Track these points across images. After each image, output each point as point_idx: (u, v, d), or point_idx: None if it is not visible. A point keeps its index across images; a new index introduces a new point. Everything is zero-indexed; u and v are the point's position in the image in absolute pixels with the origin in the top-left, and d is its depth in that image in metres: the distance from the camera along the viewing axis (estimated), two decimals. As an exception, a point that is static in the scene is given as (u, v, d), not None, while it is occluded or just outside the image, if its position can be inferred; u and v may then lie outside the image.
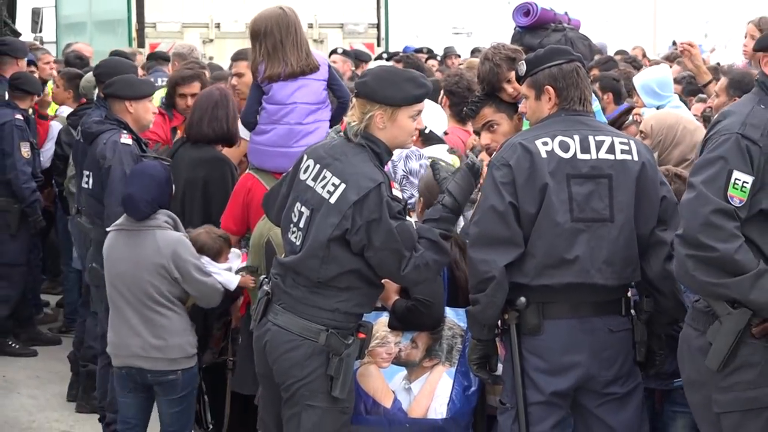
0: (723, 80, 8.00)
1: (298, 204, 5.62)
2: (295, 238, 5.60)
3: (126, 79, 8.28)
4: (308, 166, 5.65)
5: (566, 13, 7.89)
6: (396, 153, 6.29)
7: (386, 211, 5.42)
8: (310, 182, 5.60)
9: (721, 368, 4.81)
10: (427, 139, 7.03)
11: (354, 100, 5.72)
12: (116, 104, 8.02)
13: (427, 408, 5.76)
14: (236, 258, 6.55)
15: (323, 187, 5.53)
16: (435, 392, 5.77)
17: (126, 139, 7.86)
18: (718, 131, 4.89)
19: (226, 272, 6.43)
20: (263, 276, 5.94)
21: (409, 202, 6.17)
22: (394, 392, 5.79)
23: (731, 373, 4.82)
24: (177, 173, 7.12)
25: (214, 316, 6.88)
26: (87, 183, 7.84)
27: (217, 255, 6.49)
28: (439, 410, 5.74)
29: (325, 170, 5.56)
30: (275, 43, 6.60)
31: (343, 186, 5.46)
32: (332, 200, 5.48)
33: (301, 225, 5.58)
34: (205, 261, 6.39)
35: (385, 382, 5.81)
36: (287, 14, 6.73)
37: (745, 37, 9.37)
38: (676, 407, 5.68)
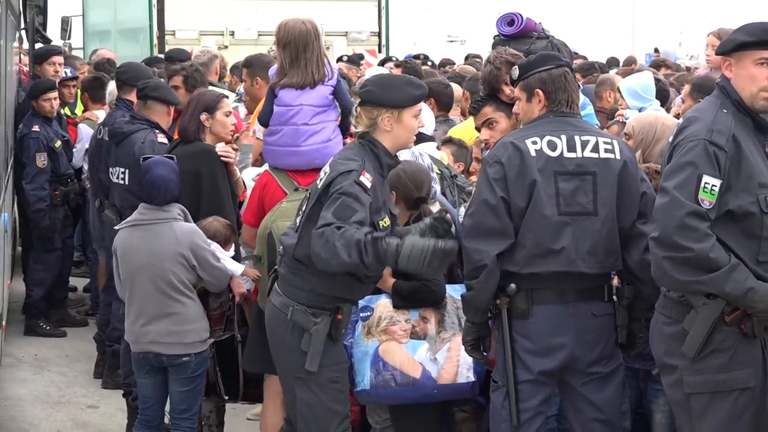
0: (687, 86, 8.05)
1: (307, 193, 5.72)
2: (298, 221, 5.65)
3: (168, 89, 8.36)
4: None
5: (540, 23, 7.90)
6: (407, 152, 6.38)
7: (355, 190, 5.38)
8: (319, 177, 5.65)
9: (697, 355, 4.81)
10: (419, 138, 7.03)
11: (358, 108, 5.71)
12: (158, 107, 8.04)
13: (455, 374, 5.82)
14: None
15: (319, 179, 5.59)
16: (459, 360, 5.80)
17: (162, 138, 7.93)
18: (686, 137, 4.87)
19: (231, 260, 6.45)
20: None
21: None
22: (421, 364, 5.82)
23: (703, 358, 4.82)
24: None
25: (212, 299, 6.80)
26: (123, 179, 7.83)
27: (226, 242, 6.51)
28: (466, 374, 5.80)
29: (327, 165, 5.64)
30: (293, 55, 6.60)
31: (329, 172, 5.51)
32: (319, 184, 5.54)
33: (303, 208, 5.63)
34: (215, 247, 6.39)
35: (409, 356, 5.84)
36: (308, 30, 6.67)
37: (707, 47, 9.37)
38: (658, 385, 5.64)
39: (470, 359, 5.75)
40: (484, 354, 5.56)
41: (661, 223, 4.81)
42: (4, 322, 9.19)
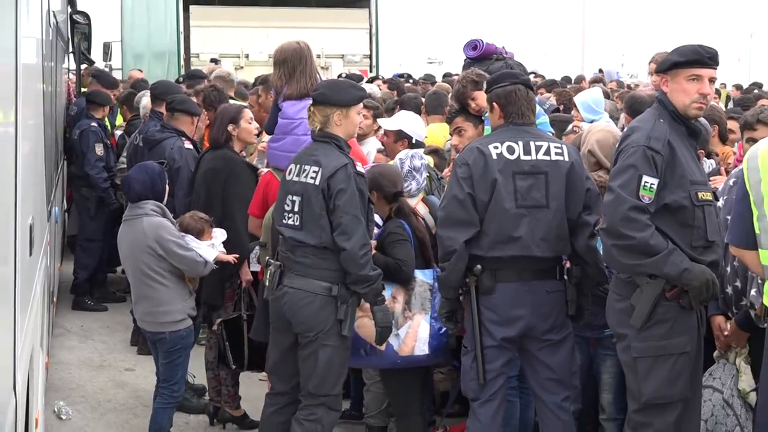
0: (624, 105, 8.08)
1: (289, 196, 5.61)
2: (293, 221, 5.56)
3: (192, 103, 8.38)
4: (291, 170, 5.68)
5: (503, 47, 7.93)
6: (403, 153, 6.58)
7: (353, 183, 5.45)
8: (294, 178, 5.61)
9: (643, 326, 4.83)
10: (411, 145, 7.05)
11: (312, 108, 5.72)
12: (183, 117, 8.07)
13: (413, 348, 5.76)
14: (221, 236, 6.46)
15: (306, 177, 5.54)
16: (418, 335, 5.77)
17: (188, 144, 7.93)
18: (628, 144, 4.89)
19: (207, 248, 6.28)
20: (267, 257, 5.93)
21: (406, 190, 6.20)
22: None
23: (648, 328, 4.86)
24: (201, 166, 7.14)
25: (226, 282, 6.84)
26: None
27: (200, 233, 6.35)
28: (421, 348, 5.76)
29: (303, 166, 5.58)
30: (291, 70, 6.58)
31: (320, 170, 5.48)
32: (316, 182, 5.49)
33: (296, 209, 5.55)
34: (189, 239, 6.25)
35: None
36: (302, 48, 6.68)
37: (650, 74, 9.33)
38: (606, 351, 5.68)
39: (426, 335, 5.74)
40: (457, 323, 5.57)
41: (608, 217, 4.84)
42: (55, 299, 9.21)
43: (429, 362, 5.89)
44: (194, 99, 8.76)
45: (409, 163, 6.49)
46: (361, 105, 5.85)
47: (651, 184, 4.78)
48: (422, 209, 6.22)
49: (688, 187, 4.88)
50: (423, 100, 9.50)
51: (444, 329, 5.74)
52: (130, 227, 6.22)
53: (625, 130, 5.10)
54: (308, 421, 5.55)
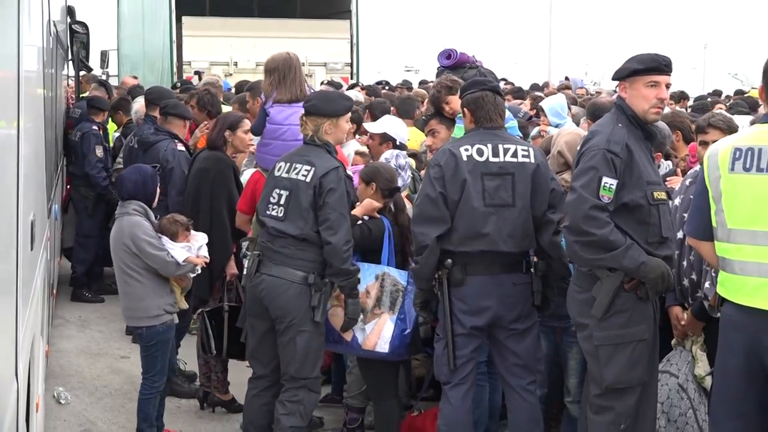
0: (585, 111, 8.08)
1: (276, 190, 5.67)
2: (277, 212, 5.62)
3: (184, 107, 8.37)
4: (280, 167, 5.74)
5: (474, 56, 7.96)
6: (388, 153, 6.64)
7: (343, 184, 5.55)
8: (284, 174, 5.67)
9: (603, 315, 4.85)
10: (395, 147, 7.09)
11: (304, 117, 5.77)
12: (176, 121, 8.04)
13: (375, 344, 5.76)
14: (203, 239, 6.39)
15: (297, 174, 5.60)
16: (381, 333, 5.76)
17: (180, 147, 7.92)
18: (590, 147, 4.89)
19: (180, 249, 6.18)
20: (244, 242, 5.99)
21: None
22: (353, 330, 5.78)
23: (608, 318, 4.86)
24: (194, 166, 7.15)
25: (214, 278, 6.81)
26: None
27: (174, 236, 6.25)
28: (382, 346, 5.76)
29: (295, 164, 5.65)
30: (281, 77, 6.61)
31: (313, 169, 5.56)
32: (307, 179, 5.55)
33: (281, 202, 5.61)
34: (165, 240, 6.18)
35: None
36: (291, 58, 6.73)
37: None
38: (571, 338, 5.68)
39: (389, 335, 5.75)
40: (431, 312, 5.59)
41: (571, 215, 4.84)
42: (55, 291, 9.17)
43: (387, 359, 5.87)
44: (191, 103, 8.75)
45: (395, 161, 6.54)
46: (349, 114, 5.91)
47: (610, 184, 4.78)
48: (407, 205, 6.23)
49: (644, 188, 4.89)
50: (390, 104, 9.52)
51: (407, 332, 5.76)
52: (117, 224, 6.19)
53: (587, 134, 5.10)
54: (291, 403, 5.61)
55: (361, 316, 5.76)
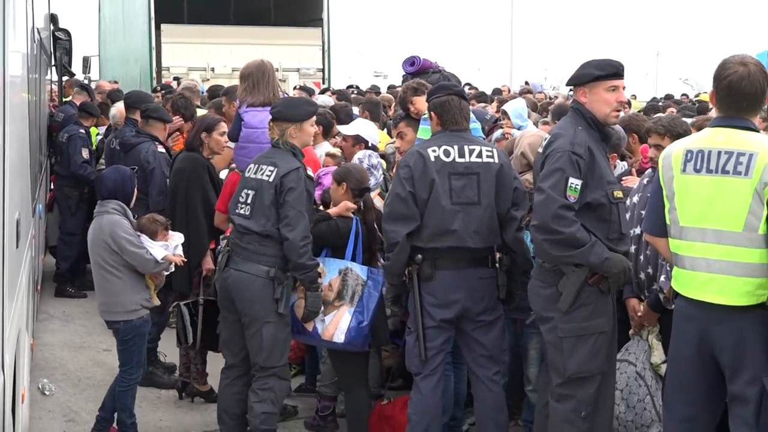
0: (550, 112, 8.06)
1: (245, 190, 5.69)
2: (244, 211, 5.64)
3: (164, 111, 8.31)
4: (250, 169, 5.76)
5: (436, 62, 7.98)
6: (360, 153, 6.73)
7: (303, 183, 5.55)
8: (252, 175, 5.69)
9: (568, 309, 4.85)
10: (368, 148, 7.10)
11: (271, 123, 5.77)
12: (157, 124, 7.98)
13: (332, 334, 5.75)
14: (179, 239, 6.35)
15: (262, 174, 5.62)
16: (339, 325, 5.75)
17: (161, 149, 7.87)
18: (554, 149, 4.85)
19: (158, 248, 6.14)
20: (223, 240, 5.99)
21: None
22: (314, 321, 5.78)
23: (572, 311, 4.85)
24: (174, 166, 7.16)
25: (193, 273, 6.79)
26: None
27: (153, 234, 6.21)
28: (339, 336, 5.74)
29: (261, 165, 5.66)
30: (255, 83, 6.60)
31: (276, 169, 5.57)
32: (270, 179, 5.56)
33: (248, 201, 5.64)
34: (143, 238, 6.13)
35: None
36: (265, 64, 6.73)
37: None
38: (531, 330, 5.71)
39: (345, 326, 5.73)
40: (402, 306, 5.59)
41: (540, 215, 4.80)
42: (39, 287, 9.10)
43: (343, 349, 5.85)
44: (166, 107, 8.71)
45: (368, 161, 6.59)
46: (314, 119, 5.90)
47: (576, 185, 4.77)
48: (378, 203, 6.22)
49: (605, 187, 4.90)
50: (353, 108, 9.54)
51: (364, 324, 5.74)
52: (96, 222, 6.12)
53: (549, 137, 5.07)
54: (262, 390, 5.63)
55: (322, 308, 5.76)
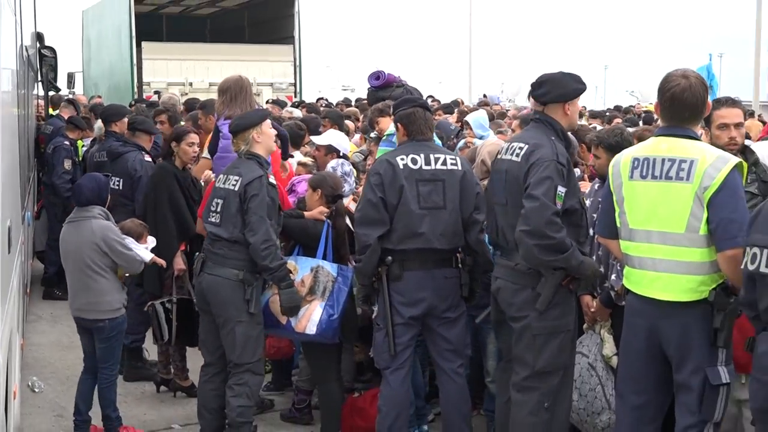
0: (516, 121, 8.02)
1: (215, 199, 5.69)
2: (215, 219, 5.64)
3: (150, 123, 8.28)
4: (220, 179, 5.76)
5: (399, 76, 8.00)
6: (333, 162, 6.74)
7: (265, 190, 5.53)
8: (220, 185, 5.69)
9: (545, 308, 4.82)
10: (340, 157, 7.10)
11: (234, 139, 5.75)
12: (143, 135, 7.91)
13: (305, 327, 5.74)
14: (152, 242, 6.33)
15: (228, 184, 5.62)
16: (311, 317, 5.74)
17: (147, 158, 7.82)
18: (539, 159, 4.77)
19: (144, 250, 6.17)
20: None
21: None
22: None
23: (546, 311, 4.82)
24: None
25: (164, 275, 6.77)
26: (118, 185, 7.67)
27: (139, 237, 6.22)
28: (311, 328, 5.73)
29: (229, 176, 5.65)
30: (232, 96, 6.58)
31: (240, 178, 5.56)
32: (236, 188, 5.55)
33: (218, 210, 5.63)
34: (129, 241, 6.11)
35: None
36: (243, 80, 6.73)
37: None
38: (488, 326, 5.69)
39: (317, 319, 5.72)
40: (372, 305, 5.58)
41: (534, 221, 4.68)
42: (29, 290, 9.01)
43: (315, 341, 5.84)
44: (160, 118, 8.68)
45: (341, 169, 6.59)
46: (269, 120, 5.88)
47: (562, 193, 4.76)
48: (354, 207, 6.21)
49: (578, 194, 4.93)
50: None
51: (334, 317, 5.74)
52: (78, 227, 6.03)
53: (528, 147, 4.89)
54: (238, 386, 5.62)
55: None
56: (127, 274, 6.15)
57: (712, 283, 4.15)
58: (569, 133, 5.17)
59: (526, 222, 4.71)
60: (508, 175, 4.94)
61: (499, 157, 5.06)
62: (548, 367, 4.89)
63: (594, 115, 13.41)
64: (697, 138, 4.30)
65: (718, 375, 4.16)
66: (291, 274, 5.71)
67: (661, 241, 4.22)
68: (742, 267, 3.89)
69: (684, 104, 4.26)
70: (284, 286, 5.61)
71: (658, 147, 4.30)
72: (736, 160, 4.13)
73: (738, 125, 5.22)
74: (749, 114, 15.36)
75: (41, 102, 13.49)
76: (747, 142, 5.99)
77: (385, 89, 7.78)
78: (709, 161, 4.10)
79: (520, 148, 4.91)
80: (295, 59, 19.28)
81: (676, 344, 4.22)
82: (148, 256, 6.15)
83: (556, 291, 4.83)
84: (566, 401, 5.03)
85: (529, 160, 4.82)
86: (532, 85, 5.04)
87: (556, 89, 4.95)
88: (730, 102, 5.25)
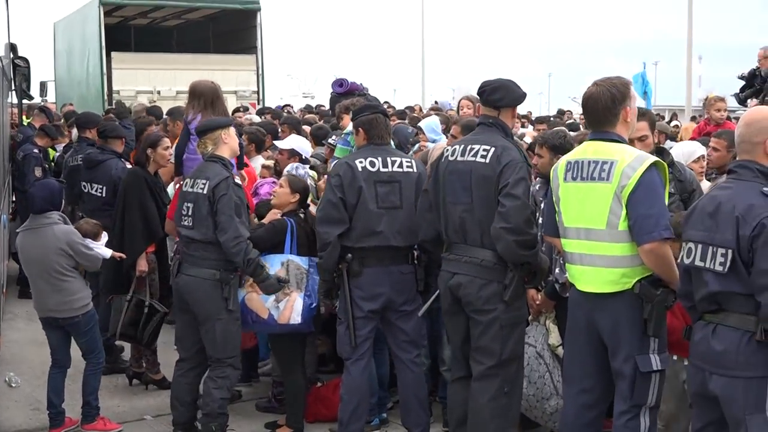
0: (456, 126, 7.97)
1: (185, 204, 5.64)
2: (188, 222, 5.60)
3: (119, 128, 8.17)
4: (186, 183, 5.72)
5: (362, 84, 8.00)
6: (289, 166, 6.76)
7: (231, 190, 5.50)
8: (189, 189, 5.64)
9: (510, 300, 4.80)
10: (302, 161, 7.11)
11: (202, 139, 5.70)
12: (115, 141, 7.80)
13: (289, 317, 5.73)
14: (105, 238, 6.26)
15: (197, 188, 5.57)
16: (294, 308, 5.74)
17: (127, 164, 7.72)
18: (512, 161, 4.72)
19: (102, 247, 6.13)
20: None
21: None
22: (269, 309, 5.75)
23: (512, 303, 4.81)
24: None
25: (122, 273, 6.69)
26: (101, 192, 7.55)
27: (95, 236, 6.15)
28: (295, 318, 5.73)
29: (196, 180, 5.61)
30: (209, 102, 6.52)
31: (208, 182, 5.52)
32: (204, 191, 5.52)
33: (190, 213, 5.59)
34: (89, 241, 6.06)
35: (262, 303, 5.76)
36: (217, 87, 6.70)
37: (462, 108, 9.00)
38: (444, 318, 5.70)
39: (300, 308, 5.72)
40: (333, 299, 5.57)
41: (515, 219, 4.64)
42: (5, 290, 8.86)
43: (301, 329, 5.84)
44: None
45: (295, 171, 6.57)
46: (232, 126, 5.88)
47: (533, 192, 4.80)
48: (313, 208, 6.19)
49: (534, 194, 4.95)
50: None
51: (314, 305, 5.73)
52: (38, 234, 5.93)
53: (495, 149, 4.80)
54: (220, 378, 5.59)
55: (274, 296, 5.73)
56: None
57: (635, 275, 4.17)
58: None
59: (506, 220, 4.65)
60: (473, 176, 4.83)
61: (451, 159, 4.98)
62: (512, 355, 4.87)
63: (540, 120, 13.49)
64: (620, 140, 4.30)
65: (649, 362, 4.18)
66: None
67: (587, 238, 4.28)
68: (679, 261, 3.94)
69: (590, 110, 4.36)
70: (261, 278, 5.58)
71: (586, 150, 4.36)
72: (652, 159, 4.17)
73: (641, 138, 5.27)
74: (691, 119, 15.55)
75: (15, 110, 13.29)
76: (667, 143, 6.08)
77: (347, 96, 7.79)
78: (627, 161, 4.15)
79: (485, 150, 4.82)
80: (257, 68, 19.16)
81: (609, 334, 4.26)
82: (107, 252, 6.14)
83: (520, 284, 4.84)
84: (520, 387, 5.05)
85: (500, 161, 4.75)
86: (485, 92, 4.99)
87: (509, 95, 4.96)
88: (639, 114, 5.20)
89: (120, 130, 8.11)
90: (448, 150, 5.10)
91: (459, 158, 4.94)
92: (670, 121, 17.29)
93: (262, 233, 5.84)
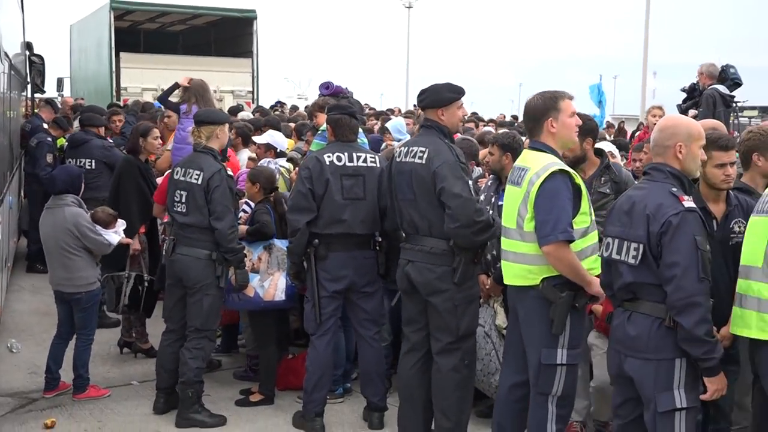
0: (418, 128, 7.95)
1: (177, 191, 5.58)
2: (181, 209, 5.55)
3: (96, 117, 8.23)
4: (177, 171, 5.64)
5: (347, 87, 7.96)
6: (263, 160, 6.67)
7: (225, 182, 5.47)
8: (181, 177, 5.57)
9: (459, 281, 4.75)
10: (278, 155, 7.06)
11: (198, 129, 5.63)
12: (94, 129, 7.81)
13: (273, 295, 5.73)
14: (122, 225, 6.24)
15: (191, 177, 5.51)
16: (278, 286, 5.74)
17: (108, 139, 7.78)
18: (444, 162, 4.65)
19: (111, 234, 6.06)
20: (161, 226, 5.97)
21: None
22: (254, 288, 5.74)
23: (462, 283, 4.75)
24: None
25: (120, 252, 6.58)
26: (90, 166, 7.60)
27: (107, 224, 6.10)
28: (279, 296, 5.74)
29: (188, 169, 5.54)
30: (199, 95, 6.78)
31: (202, 173, 5.48)
32: (199, 182, 5.47)
33: (183, 200, 5.53)
34: (99, 228, 6.00)
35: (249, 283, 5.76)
36: (205, 82, 7.00)
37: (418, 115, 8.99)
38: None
39: (283, 286, 5.71)
40: (302, 281, 5.54)
41: (464, 215, 4.57)
42: (9, 264, 8.82)
43: (285, 306, 5.84)
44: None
45: (266, 165, 6.51)
46: (227, 124, 5.84)
47: (471, 186, 4.75)
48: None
49: (486, 188, 4.92)
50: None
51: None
52: (54, 213, 5.93)
53: (429, 152, 4.77)
54: (197, 349, 5.57)
55: (258, 276, 5.73)
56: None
57: (542, 273, 4.11)
58: (473, 138, 5.17)
59: (456, 219, 4.58)
60: (414, 175, 4.81)
61: (398, 160, 4.95)
62: (468, 330, 4.82)
63: (502, 124, 13.53)
64: (544, 149, 4.22)
65: (554, 356, 4.11)
66: (246, 257, 5.70)
67: (505, 235, 4.32)
68: (599, 253, 3.95)
69: (524, 119, 4.37)
70: (241, 267, 5.60)
71: (524, 158, 4.35)
72: (555, 167, 4.06)
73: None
74: (638, 126, 15.57)
75: (29, 102, 13.21)
76: (601, 144, 6.07)
77: (332, 97, 7.76)
78: (535, 170, 4.11)
79: (422, 152, 4.80)
80: (253, 71, 19.16)
81: (522, 324, 4.26)
82: (115, 238, 6.05)
83: (468, 266, 4.77)
84: (475, 360, 5.02)
85: (433, 163, 4.72)
86: (418, 95, 4.99)
87: (430, 96, 4.90)
88: None
89: (96, 120, 8.34)
90: (397, 151, 5.11)
91: (404, 159, 4.91)
92: (619, 129, 17.34)
93: (267, 219, 5.86)
